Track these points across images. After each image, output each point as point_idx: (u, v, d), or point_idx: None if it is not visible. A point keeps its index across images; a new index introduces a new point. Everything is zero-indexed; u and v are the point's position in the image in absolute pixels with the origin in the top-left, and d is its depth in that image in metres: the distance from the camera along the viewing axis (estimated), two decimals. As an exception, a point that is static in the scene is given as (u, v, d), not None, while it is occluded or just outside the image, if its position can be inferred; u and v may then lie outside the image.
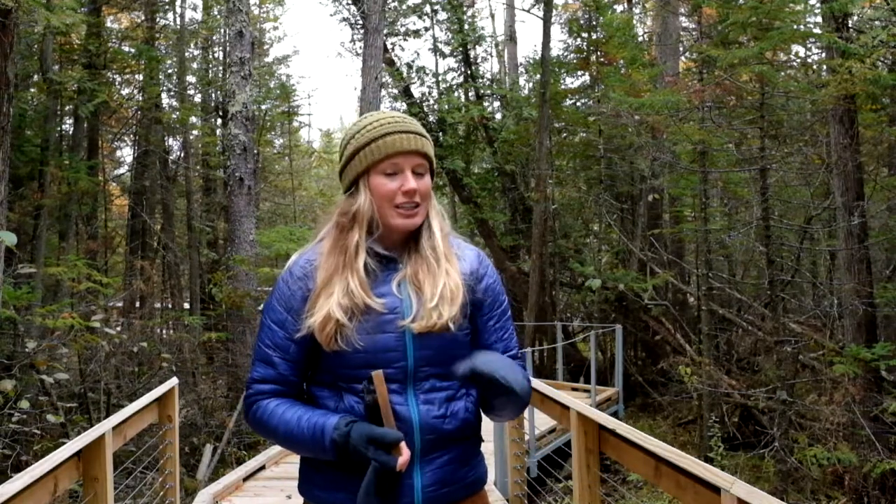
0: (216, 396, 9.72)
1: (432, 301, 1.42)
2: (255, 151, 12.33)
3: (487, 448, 2.25)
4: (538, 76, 14.12)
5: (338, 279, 1.43)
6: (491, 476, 5.24)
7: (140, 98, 14.06)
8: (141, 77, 13.83)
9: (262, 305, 1.54)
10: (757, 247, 10.04)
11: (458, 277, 1.48)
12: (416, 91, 15.70)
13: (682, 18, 14.63)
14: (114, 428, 2.87)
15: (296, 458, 1.56)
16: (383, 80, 12.40)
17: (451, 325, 1.43)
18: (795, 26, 8.17)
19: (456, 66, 16.00)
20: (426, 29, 15.83)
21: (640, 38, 16.17)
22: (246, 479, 5.23)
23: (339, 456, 1.35)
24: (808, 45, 11.21)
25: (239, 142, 10.03)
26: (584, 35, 15.04)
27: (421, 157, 1.48)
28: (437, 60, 15.95)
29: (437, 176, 15.62)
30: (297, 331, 1.44)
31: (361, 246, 1.46)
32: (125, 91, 14.73)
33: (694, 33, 13.72)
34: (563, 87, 15.38)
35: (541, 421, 7.48)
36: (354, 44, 16.23)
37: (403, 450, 1.34)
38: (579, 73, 15.94)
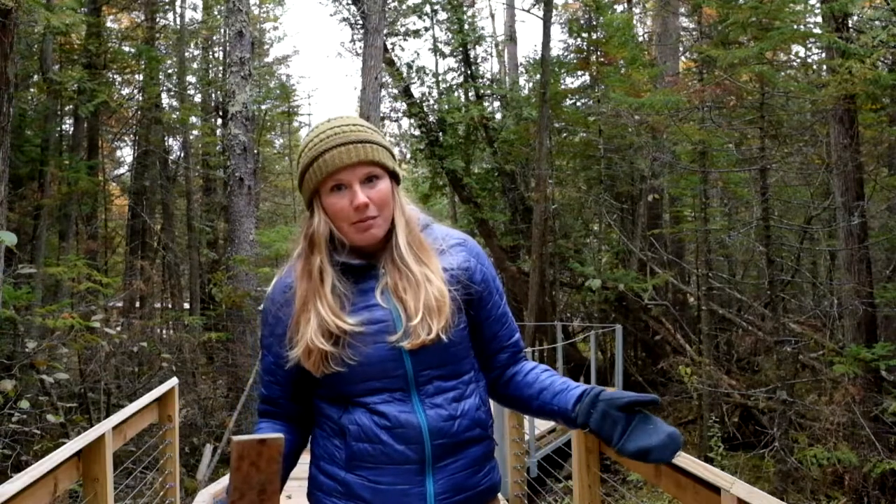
0: (216, 396, 9.74)
1: (417, 316, 1.36)
2: (255, 151, 12.33)
3: (487, 448, 2.24)
4: (538, 76, 14.12)
5: (311, 305, 1.39)
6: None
7: (140, 98, 14.07)
8: (141, 77, 13.83)
9: (262, 305, 1.52)
10: (757, 247, 10.05)
11: (441, 282, 1.40)
12: (416, 91, 15.71)
13: (682, 18, 14.64)
14: (114, 428, 2.87)
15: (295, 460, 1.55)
16: (383, 80, 12.40)
17: (443, 336, 1.37)
18: (795, 26, 8.17)
19: (456, 66, 16.00)
20: (426, 29, 15.83)
21: (640, 38, 16.17)
22: (246, 479, 5.22)
23: None
24: (808, 45, 11.20)
25: (239, 142, 10.03)
26: (584, 35, 15.03)
27: (368, 166, 1.38)
28: (437, 60, 15.97)
29: (437, 176, 15.85)
30: (284, 358, 1.42)
31: (325, 269, 1.40)
32: (125, 91, 14.74)
33: (694, 33, 13.72)
34: (563, 87, 15.37)
35: (541, 421, 7.48)
36: (354, 44, 16.23)
37: None
38: (579, 73, 15.94)
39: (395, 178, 1.44)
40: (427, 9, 15.64)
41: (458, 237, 1.51)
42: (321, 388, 1.45)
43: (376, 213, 1.38)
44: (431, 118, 15.18)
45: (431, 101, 15.72)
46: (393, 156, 1.45)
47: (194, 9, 22.17)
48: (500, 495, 4.67)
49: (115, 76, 13.63)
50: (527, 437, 6.82)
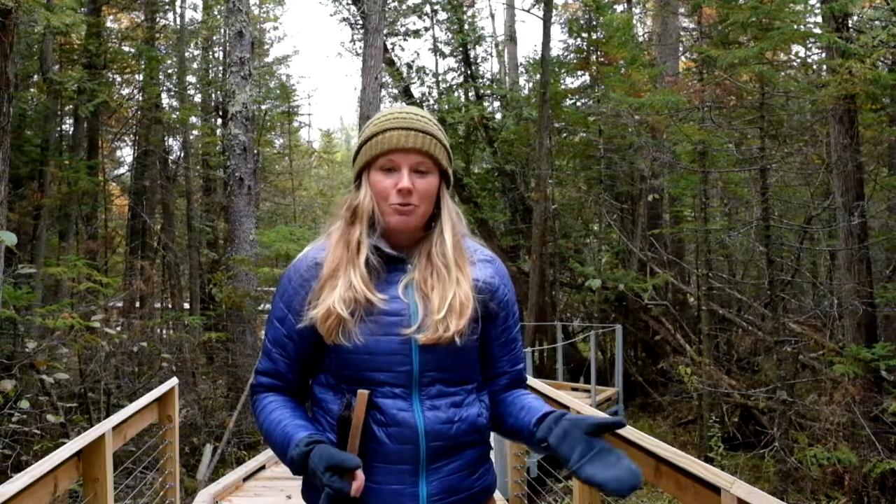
0: (216, 396, 9.73)
1: (440, 313, 1.37)
2: (255, 151, 12.33)
3: (487, 448, 2.24)
4: (538, 76, 14.13)
5: (342, 272, 1.40)
6: (491, 476, 5.22)
7: (140, 98, 14.07)
8: (141, 77, 13.82)
9: (262, 305, 1.53)
10: (757, 247, 10.05)
11: (469, 289, 1.42)
12: (416, 91, 15.73)
13: (682, 18, 14.64)
14: (114, 428, 2.87)
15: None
16: (383, 80, 12.40)
17: (458, 339, 1.38)
18: (795, 26, 8.16)
19: (456, 66, 16.02)
20: (426, 29, 15.84)
21: (640, 38, 16.18)
22: (246, 479, 5.23)
23: (296, 472, 1.32)
24: (808, 45, 11.20)
25: (239, 142, 10.03)
26: (584, 35, 15.05)
27: (422, 156, 1.41)
28: (437, 60, 15.98)
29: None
30: (297, 328, 1.42)
31: (363, 242, 1.42)
32: (125, 91, 14.73)
33: (694, 33, 13.72)
34: (563, 87, 15.39)
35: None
36: (354, 44, 16.25)
37: (358, 475, 1.29)
38: (579, 73, 15.96)
39: (445, 179, 1.47)
40: (427, 9, 15.66)
41: (488, 254, 1.54)
42: (324, 374, 1.45)
43: (417, 202, 1.41)
44: (431, 118, 15.18)
45: (431, 101, 15.73)
46: (450, 158, 1.49)
47: (194, 9, 22.22)
48: (499, 494, 4.65)
49: (115, 76, 13.63)
50: (527, 437, 6.81)
